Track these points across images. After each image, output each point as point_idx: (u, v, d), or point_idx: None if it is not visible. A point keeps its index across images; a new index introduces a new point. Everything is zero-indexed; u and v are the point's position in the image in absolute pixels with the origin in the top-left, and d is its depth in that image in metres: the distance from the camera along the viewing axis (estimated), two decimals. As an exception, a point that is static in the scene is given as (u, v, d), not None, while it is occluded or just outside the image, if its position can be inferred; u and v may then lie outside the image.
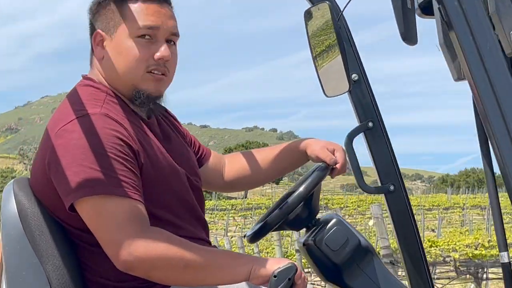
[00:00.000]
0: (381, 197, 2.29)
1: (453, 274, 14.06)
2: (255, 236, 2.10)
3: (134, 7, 1.98)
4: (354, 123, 2.25)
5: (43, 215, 1.97)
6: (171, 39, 2.03)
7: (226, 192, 2.55)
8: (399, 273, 8.86)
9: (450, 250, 15.10)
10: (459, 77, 1.92)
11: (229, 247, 15.57)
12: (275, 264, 1.84)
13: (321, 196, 2.40)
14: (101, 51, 2.03)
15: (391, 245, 7.84)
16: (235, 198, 56.25)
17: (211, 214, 42.22)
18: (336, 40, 2.10)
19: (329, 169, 2.14)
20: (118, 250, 1.80)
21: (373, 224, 8.72)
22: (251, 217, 39.54)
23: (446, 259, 13.51)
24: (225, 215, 41.28)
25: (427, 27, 1.89)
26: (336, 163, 2.17)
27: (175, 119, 2.27)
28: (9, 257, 1.96)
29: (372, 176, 3.03)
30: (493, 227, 1.99)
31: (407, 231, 2.26)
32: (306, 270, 12.48)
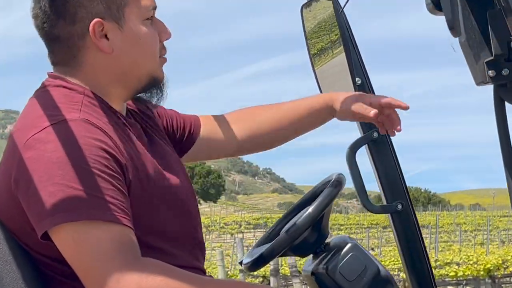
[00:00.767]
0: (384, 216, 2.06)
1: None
2: (255, 265, 1.78)
3: None
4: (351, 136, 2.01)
5: (7, 241, 1.62)
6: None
7: (236, 157, 2.14)
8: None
9: (396, 270, 15.17)
10: (483, 81, 1.73)
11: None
12: None
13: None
14: (107, 43, 1.67)
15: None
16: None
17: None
18: (340, 38, 1.91)
19: (342, 186, 1.83)
20: (104, 286, 1.47)
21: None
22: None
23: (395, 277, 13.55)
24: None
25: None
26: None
27: (152, 113, 1.91)
28: (-36, 291, 1.59)
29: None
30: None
31: (415, 253, 2.05)
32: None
